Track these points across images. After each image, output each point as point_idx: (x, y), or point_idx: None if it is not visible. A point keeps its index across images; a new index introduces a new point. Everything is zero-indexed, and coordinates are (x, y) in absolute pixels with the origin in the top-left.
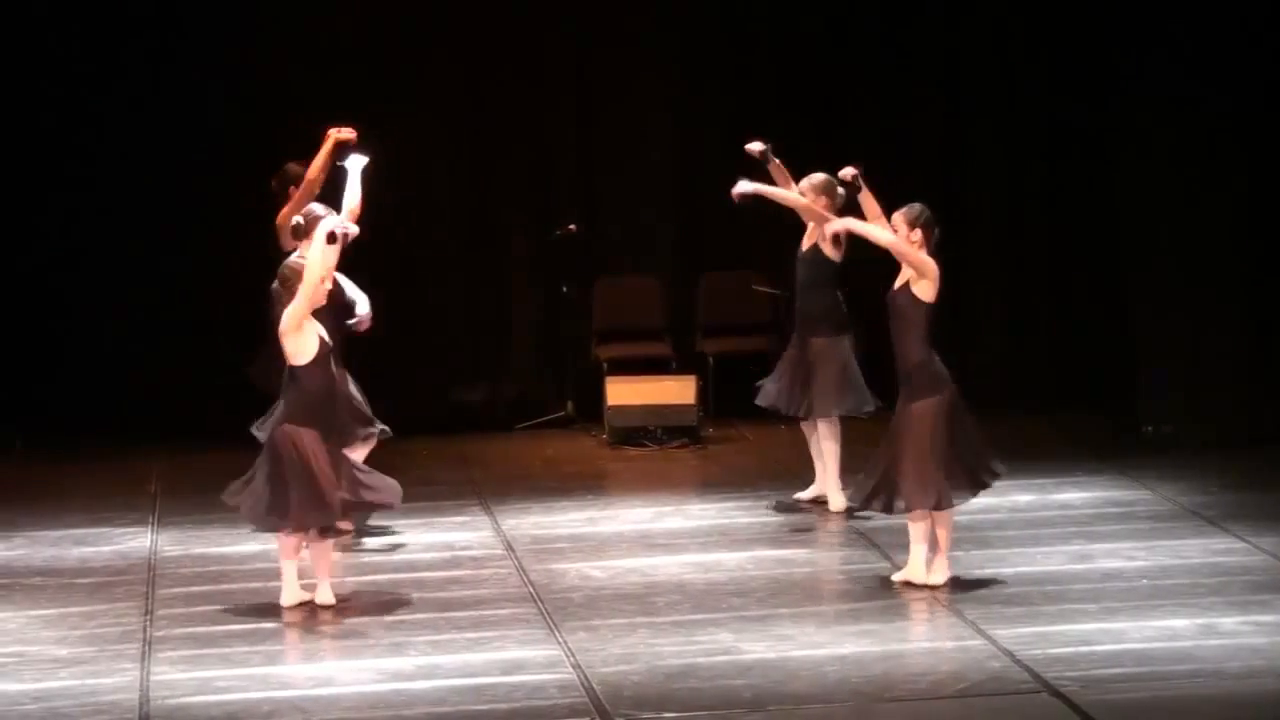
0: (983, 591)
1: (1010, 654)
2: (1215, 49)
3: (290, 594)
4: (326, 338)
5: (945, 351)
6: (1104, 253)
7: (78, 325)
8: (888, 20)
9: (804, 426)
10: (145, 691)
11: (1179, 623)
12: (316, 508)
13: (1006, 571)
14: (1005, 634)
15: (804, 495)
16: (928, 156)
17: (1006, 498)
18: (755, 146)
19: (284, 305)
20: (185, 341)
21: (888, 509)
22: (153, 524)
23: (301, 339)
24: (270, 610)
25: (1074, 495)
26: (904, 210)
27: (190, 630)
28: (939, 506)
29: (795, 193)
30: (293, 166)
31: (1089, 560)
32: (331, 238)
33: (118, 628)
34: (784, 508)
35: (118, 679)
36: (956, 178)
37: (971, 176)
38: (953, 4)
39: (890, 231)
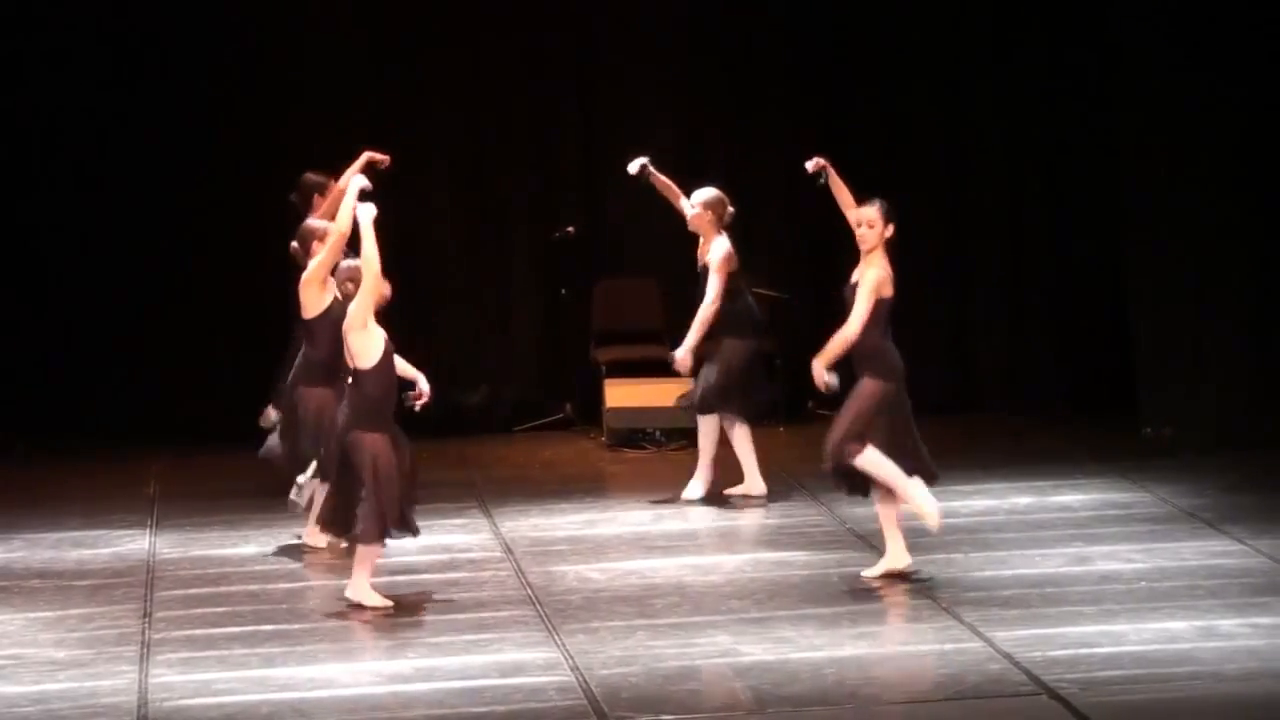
0: (981, 594)
1: (1009, 656)
2: (1218, 50)
3: (373, 598)
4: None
5: (946, 353)
6: (1104, 255)
7: (77, 328)
8: (889, 19)
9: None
10: (144, 694)
11: (1177, 625)
12: (383, 521)
13: (1005, 574)
14: (1004, 636)
15: (735, 490)
16: (929, 158)
17: (1005, 500)
18: (633, 167)
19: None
20: (184, 344)
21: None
22: (151, 526)
23: (367, 338)
24: (268, 613)
25: (1073, 498)
26: (878, 204)
27: (188, 633)
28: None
29: (685, 202)
30: (310, 176)
31: (1088, 562)
32: (363, 194)
33: (116, 630)
34: (783, 510)
35: (116, 681)
36: (957, 179)
37: (972, 178)
38: (954, 3)
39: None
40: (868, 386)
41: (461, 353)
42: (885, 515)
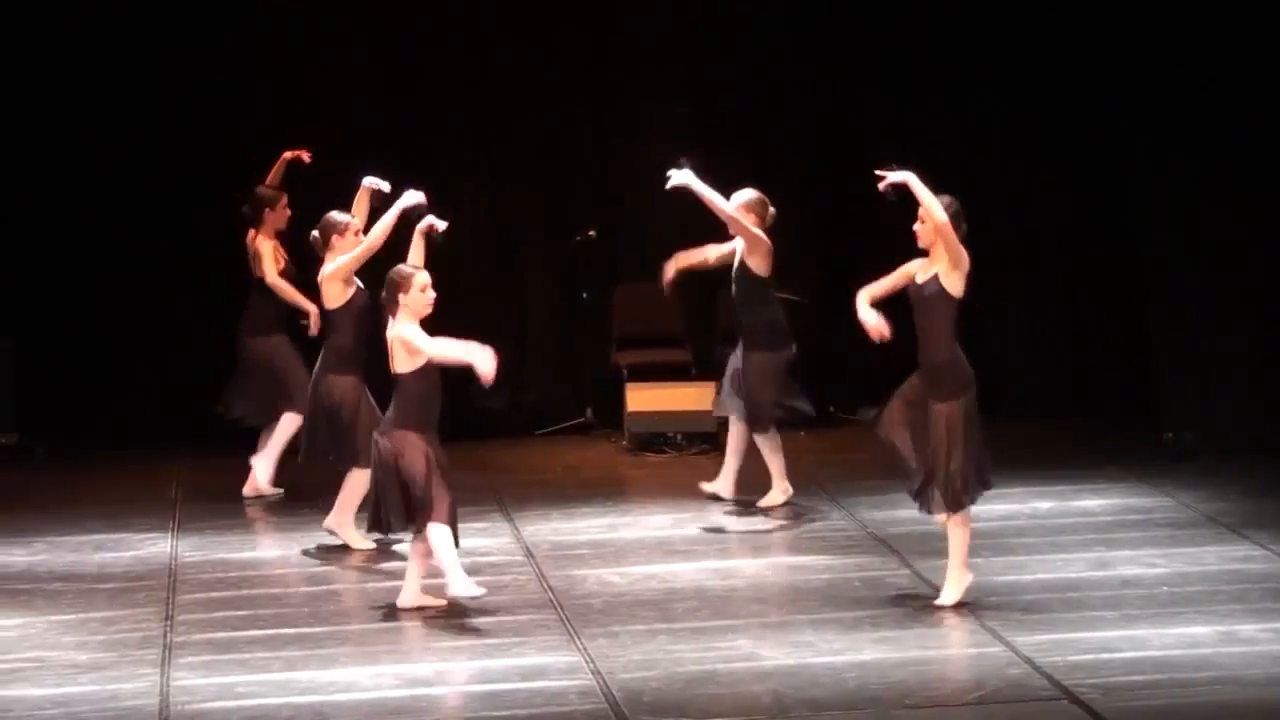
0: (1002, 598)
1: (1030, 661)
2: (1233, 52)
3: (410, 594)
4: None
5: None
6: (1122, 258)
7: (98, 332)
8: (903, 22)
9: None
10: (165, 697)
11: (1199, 630)
12: (425, 511)
13: (1026, 578)
14: (1025, 641)
15: (712, 487)
16: (943, 161)
17: (1026, 504)
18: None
19: (389, 311)
20: (206, 347)
21: (926, 510)
22: (173, 530)
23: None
24: (290, 616)
25: (1094, 502)
26: (943, 200)
27: (210, 636)
28: (957, 508)
29: (728, 204)
30: (263, 190)
31: (1109, 567)
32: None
33: (138, 633)
34: (804, 514)
35: (138, 684)
36: (971, 184)
37: (986, 180)
38: (965, 6)
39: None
40: (942, 413)
41: None
42: (954, 538)
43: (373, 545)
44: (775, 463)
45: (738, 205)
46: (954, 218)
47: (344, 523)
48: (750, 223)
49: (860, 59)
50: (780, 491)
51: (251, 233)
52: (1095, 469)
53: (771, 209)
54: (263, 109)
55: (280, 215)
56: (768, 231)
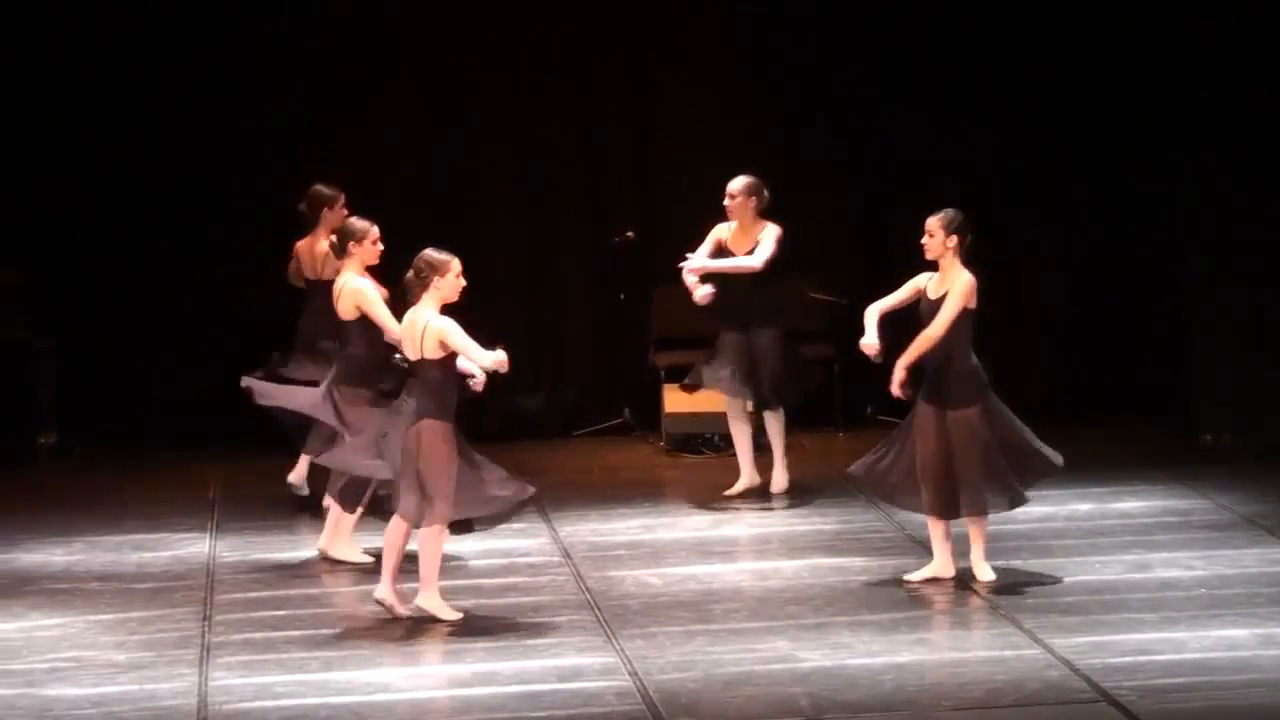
0: (1040, 600)
1: (1068, 663)
2: (1270, 56)
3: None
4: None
5: (1004, 360)
6: (1161, 259)
7: (136, 332)
8: (938, 30)
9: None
10: (203, 697)
11: (1238, 633)
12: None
13: (1064, 580)
14: (1063, 643)
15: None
16: (978, 160)
17: (1065, 506)
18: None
19: (415, 296)
20: (246, 347)
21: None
22: (211, 530)
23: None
24: (327, 616)
25: (1132, 504)
26: (940, 216)
27: (248, 636)
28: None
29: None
30: (320, 189)
31: (1147, 569)
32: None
33: (176, 633)
34: (841, 515)
35: (176, 684)
36: (1008, 181)
37: (1022, 182)
38: (1002, 16)
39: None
40: (968, 418)
41: (520, 357)
42: (935, 529)
43: (368, 559)
44: (746, 448)
45: (740, 196)
46: (960, 231)
47: (338, 548)
48: (752, 207)
49: (896, 64)
50: (743, 481)
51: (308, 238)
52: (1133, 471)
53: (764, 192)
54: (306, 116)
55: (338, 216)
56: (763, 213)
